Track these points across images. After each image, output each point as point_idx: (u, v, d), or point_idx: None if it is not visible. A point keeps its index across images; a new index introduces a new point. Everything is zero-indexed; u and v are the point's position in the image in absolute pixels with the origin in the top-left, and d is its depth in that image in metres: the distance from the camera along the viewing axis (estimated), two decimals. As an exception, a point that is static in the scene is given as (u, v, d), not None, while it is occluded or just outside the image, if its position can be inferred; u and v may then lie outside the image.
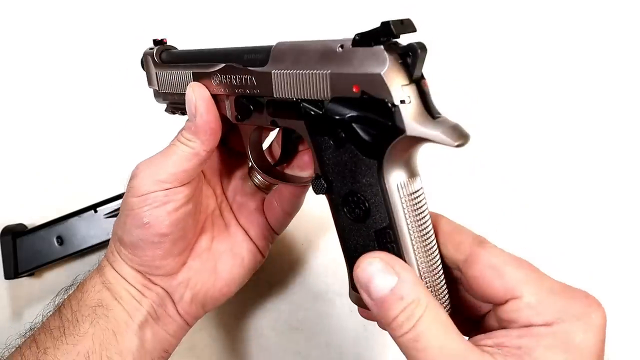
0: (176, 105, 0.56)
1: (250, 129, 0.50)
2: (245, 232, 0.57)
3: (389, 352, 0.74)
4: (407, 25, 0.36)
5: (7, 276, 0.70)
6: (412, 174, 0.40)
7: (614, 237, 0.73)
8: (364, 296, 0.36)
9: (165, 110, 0.59)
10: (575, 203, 0.75)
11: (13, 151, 0.77)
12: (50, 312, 0.51)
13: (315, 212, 0.76)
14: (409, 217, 0.39)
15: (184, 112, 0.55)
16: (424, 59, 0.37)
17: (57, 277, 0.75)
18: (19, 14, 0.78)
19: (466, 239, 0.39)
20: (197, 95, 0.48)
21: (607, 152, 0.76)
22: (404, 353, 0.35)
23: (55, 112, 0.77)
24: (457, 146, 0.36)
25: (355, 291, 0.43)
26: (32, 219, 0.75)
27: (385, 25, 0.35)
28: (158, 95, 0.58)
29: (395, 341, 0.35)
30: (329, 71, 0.40)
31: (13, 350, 0.49)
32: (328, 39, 0.41)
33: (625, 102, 0.76)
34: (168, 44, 0.57)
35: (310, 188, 0.45)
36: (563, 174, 0.76)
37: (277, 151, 0.55)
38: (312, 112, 0.42)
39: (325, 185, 0.43)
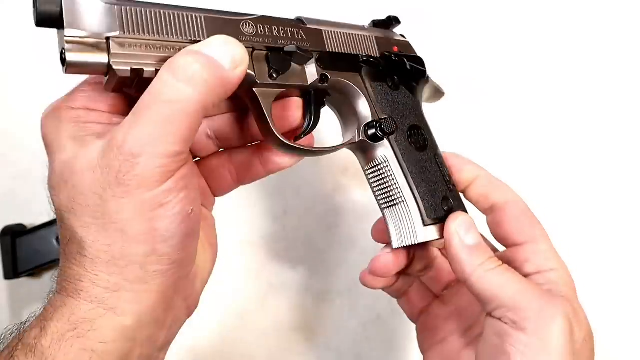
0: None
1: (274, 94, 0.46)
2: None
3: (389, 352, 0.74)
4: (396, 19, 0.56)
5: (7, 276, 0.70)
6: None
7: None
8: (456, 240, 0.46)
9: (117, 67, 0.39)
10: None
11: (13, 151, 0.77)
12: None
13: (315, 212, 0.76)
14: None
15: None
16: None
17: (57, 277, 0.75)
18: (20, 13, 0.78)
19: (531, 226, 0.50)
20: (247, 59, 0.40)
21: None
22: (492, 283, 0.44)
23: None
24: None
25: (433, 223, 0.49)
26: (32, 219, 0.75)
27: (390, 17, 0.56)
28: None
29: (474, 275, 0.45)
30: (375, 35, 0.54)
31: None
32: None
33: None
34: None
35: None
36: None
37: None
38: (375, 60, 0.52)
39: (395, 123, 0.50)
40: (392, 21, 0.56)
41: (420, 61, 0.55)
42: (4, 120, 0.77)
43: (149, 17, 0.39)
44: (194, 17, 0.41)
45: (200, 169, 0.52)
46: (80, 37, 0.36)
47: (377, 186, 0.52)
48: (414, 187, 0.49)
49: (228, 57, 0.38)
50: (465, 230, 0.47)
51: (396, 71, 0.53)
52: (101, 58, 0.37)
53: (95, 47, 0.36)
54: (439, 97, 0.60)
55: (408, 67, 0.53)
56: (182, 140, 0.37)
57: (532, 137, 0.78)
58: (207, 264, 0.49)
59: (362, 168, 0.53)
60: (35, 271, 0.73)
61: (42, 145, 0.81)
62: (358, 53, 0.51)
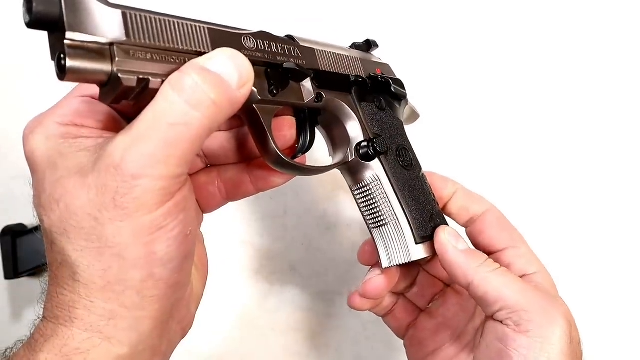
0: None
1: (273, 110, 0.45)
2: None
3: (389, 352, 0.74)
4: (374, 43, 0.58)
5: (7, 276, 0.70)
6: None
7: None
8: (450, 248, 0.47)
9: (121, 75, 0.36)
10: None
11: (13, 151, 0.77)
12: None
13: (315, 212, 0.76)
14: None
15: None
16: None
17: (57, 277, 0.75)
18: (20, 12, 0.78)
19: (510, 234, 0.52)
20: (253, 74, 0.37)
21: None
22: (492, 283, 0.45)
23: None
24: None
25: (423, 242, 0.49)
26: (32, 219, 0.75)
27: (368, 41, 0.58)
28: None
29: (476, 277, 0.45)
30: (359, 57, 0.55)
31: None
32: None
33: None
34: None
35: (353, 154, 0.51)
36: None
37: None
38: (367, 83, 0.53)
39: (388, 144, 0.51)
40: (370, 45, 0.57)
41: (400, 83, 0.56)
42: (3, 120, 0.77)
43: (155, 24, 0.36)
44: (198, 28, 0.39)
45: None
46: (81, 41, 0.32)
47: (366, 206, 0.51)
48: (405, 205, 0.49)
49: (235, 74, 0.36)
50: (455, 238, 0.48)
51: (382, 92, 0.54)
52: (104, 66, 0.33)
53: (98, 53, 0.33)
54: (414, 119, 0.62)
55: (393, 89, 0.54)
56: (185, 162, 0.35)
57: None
58: (200, 284, 0.48)
59: (350, 188, 0.53)
60: (35, 271, 0.73)
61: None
62: (348, 73, 0.52)
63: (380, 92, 0.54)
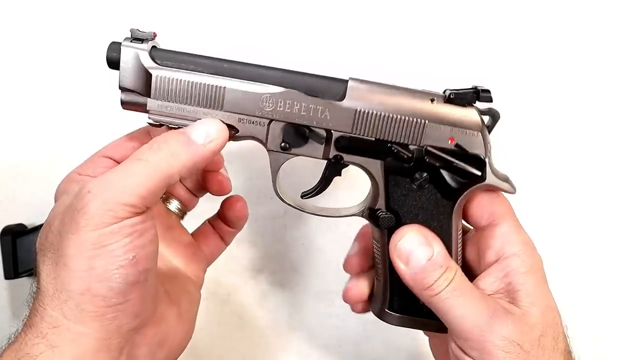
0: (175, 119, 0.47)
1: (285, 159, 0.49)
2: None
3: (389, 352, 0.74)
4: (487, 96, 0.46)
5: (7, 276, 0.70)
6: (461, 216, 0.50)
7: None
8: (401, 267, 0.46)
9: (149, 119, 0.48)
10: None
11: (13, 151, 0.77)
12: None
13: (315, 212, 0.76)
14: (458, 249, 0.51)
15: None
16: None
17: (57, 277, 0.75)
18: (22, 13, 0.78)
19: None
20: (224, 134, 0.45)
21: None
22: (438, 310, 0.45)
23: (55, 112, 0.77)
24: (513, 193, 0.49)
25: (391, 311, 0.52)
26: (32, 219, 0.75)
27: (475, 91, 0.46)
28: (137, 102, 0.48)
29: (428, 301, 0.46)
30: (426, 121, 0.46)
31: None
32: (414, 89, 0.47)
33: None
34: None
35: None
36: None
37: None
38: (404, 155, 0.46)
39: (395, 221, 0.49)
40: (478, 95, 0.46)
41: (477, 160, 0.47)
42: (3, 120, 0.77)
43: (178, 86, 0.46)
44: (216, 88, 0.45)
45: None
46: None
47: (375, 256, 0.54)
48: (392, 280, 0.51)
49: (202, 133, 0.44)
50: (406, 255, 0.47)
51: (427, 171, 0.48)
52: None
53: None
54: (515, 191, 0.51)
55: (447, 176, 0.48)
56: (138, 196, 0.40)
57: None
58: (179, 335, 0.50)
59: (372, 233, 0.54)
60: (35, 271, 0.73)
61: (42, 146, 0.81)
62: (389, 140, 0.47)
63: (426, 170, 0.48)
